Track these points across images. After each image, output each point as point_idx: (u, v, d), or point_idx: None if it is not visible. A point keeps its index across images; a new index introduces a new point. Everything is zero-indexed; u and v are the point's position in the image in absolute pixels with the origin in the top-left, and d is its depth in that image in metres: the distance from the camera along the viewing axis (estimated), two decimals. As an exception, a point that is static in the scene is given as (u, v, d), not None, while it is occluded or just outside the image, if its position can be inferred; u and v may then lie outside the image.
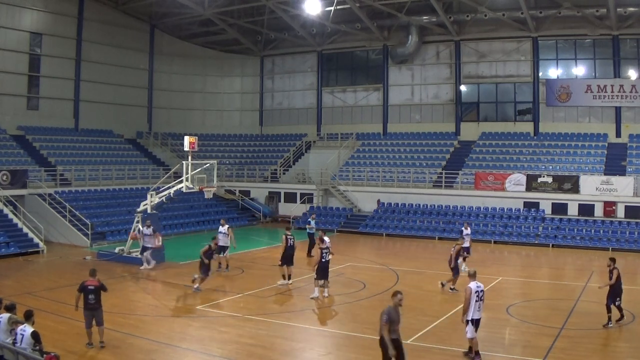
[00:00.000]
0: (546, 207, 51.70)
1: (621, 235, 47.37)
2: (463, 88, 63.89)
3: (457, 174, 56.41)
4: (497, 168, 55.88)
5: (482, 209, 53.39)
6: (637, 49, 57.84)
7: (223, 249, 35.18)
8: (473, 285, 19.95)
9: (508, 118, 62.37)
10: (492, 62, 61.96)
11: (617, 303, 23.91)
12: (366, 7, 59.85)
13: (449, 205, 54.64)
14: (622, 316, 24.25)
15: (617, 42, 57.23)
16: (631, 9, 54.10)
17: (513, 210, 52.33)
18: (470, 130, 62.56)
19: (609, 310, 23.87)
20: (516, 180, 53.03)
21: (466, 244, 36.34)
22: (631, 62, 57.79)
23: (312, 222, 42.73)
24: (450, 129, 63.70)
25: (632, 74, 57.60)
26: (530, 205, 52.23)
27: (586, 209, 50.56)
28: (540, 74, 60.12)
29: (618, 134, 56.93)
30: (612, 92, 57.14)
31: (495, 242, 49.12)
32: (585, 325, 24.01)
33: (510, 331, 23.93)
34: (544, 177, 52.36)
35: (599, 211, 50.22)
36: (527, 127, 60.67)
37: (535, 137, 59.57)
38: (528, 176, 52.90)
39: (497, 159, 57.65)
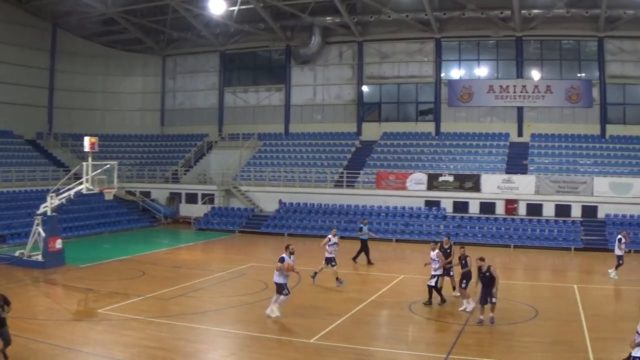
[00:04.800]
0: (447, 205, 51.15)
1: (522, 232, 47.55)
2: (365, 88, 62.70)
3: (359, 173, 55.19)
4: (398, 167, 54.76)
5: (383, 208, 52.11)
6: (540, 50, 58.44)
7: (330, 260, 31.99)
8: None
9: (410, 118, 61.57)
10: (394, 63, 61.12)
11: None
12: (270, 7, 58.09)
13: (351, 205, 53.16)
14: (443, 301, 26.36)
15: (521, 44, 57.63)
16: (535, 11, 54.81)
17: (414, 209, 51.50)
18: (371, 130, 61.39)
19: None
20: (417, 180, 52.30)
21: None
22: (534, 63, 58.20)
23: (365, 228, 39.01)
24: (352, 129, 62.46)
25: (534, 74, 57.85)
26: (432, 204, 51.60)
27: (487, 207, 50.34)
28: (442, 74, 59.97)
29: (520, 134, 57.36)
30: (515, 92, 57.55)
31: (397, 241, 48.16)
32: (488, 321, 23.34)
33: (413, 328, 23.73)
34: (445, 176, 51.91)
35: (500, 209, 50.21)
36: (428, 127, 60.03)
37: (436, 137, 59.00)
38: (429, 175, 52.30)
39: (398, 158, 56.66)
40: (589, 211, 48.81)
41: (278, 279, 23.60)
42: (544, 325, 23.66)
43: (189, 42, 66.74)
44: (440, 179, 51.59)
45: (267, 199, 55.87)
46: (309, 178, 56.14)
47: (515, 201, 49.65)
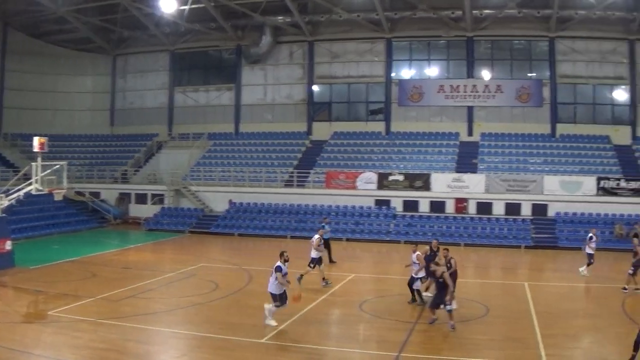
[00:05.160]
0: (397, 204, 51.18)
1: (473, 231, 47.98)
2: (315, 88, 62.41)
3: (309, 173, 54.88)
4: (348, 167, 54.65)
5: (333, 208, 51.88)
6: (491, 50, 58.88)
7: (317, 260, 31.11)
8: None
9: (360, 118, 61.50)
10: (345, 63, 61.00)
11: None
12: (221, 6, 57.37)
13: (301, 205, 52.76)
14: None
15: (472, 44, 57.92)
16: (487, 11, 55.15)
17: (364, 208, 51.37)
18: (322, 130, 61.17)
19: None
20: (367, 179, 52.21)
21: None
22: (485, 63, 58.69)
23: (327, 227, 38.02)
24: (302, 128, 62.08)
25: (485, 74, 58.27)
26: (382, 203, 51.51)
27: (437, 206, 50.48)
28: (393, 74, 60.04)
29: (470, 133, 57.62)
30: (465, 92, 57.78)
31: (347, 240, 47.91)
32: (439, 319, 22.98)
33: (364, 327, 23.64)
34: (395, 175, 51.87)
35: (450, 208, 50.39)
36: (378, 126, 59.98)
37: (387, 136, 59.06)
38: (379, 174, 52.26)
39: (348, 158, 56.60)
40: (539, 209, 49.17)
41: (273, 289, 22.38)
42: (495, 323, 23.75)
43: (139, 41, 65.82)
44: (390, 178, 51.49)
45: (217, 199, 55.22)
46: (259, 178, 55.58)
47: (465, 200, 49.77)
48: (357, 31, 59.30)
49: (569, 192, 49.05)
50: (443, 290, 22.62)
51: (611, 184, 49.00)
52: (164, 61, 66.76)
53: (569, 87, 57.22)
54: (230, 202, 54.48)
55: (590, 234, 34.50)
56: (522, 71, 58.83)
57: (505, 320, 24.07)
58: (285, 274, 22.30)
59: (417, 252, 26.21)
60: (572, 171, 51.16)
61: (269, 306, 22.34)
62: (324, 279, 30.06)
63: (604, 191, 48.84)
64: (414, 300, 25.94)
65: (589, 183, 49.11)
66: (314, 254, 30.30)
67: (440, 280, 22.74)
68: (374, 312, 24.99)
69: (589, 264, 33.99)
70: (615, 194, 48.67)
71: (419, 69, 60.63)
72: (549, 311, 25.20)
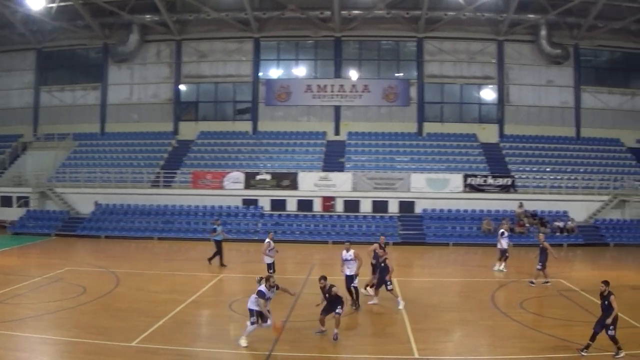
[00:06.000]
0: (265, 203, 51.16)
1: (340, 228, 48.21)
2: (182, 87, 61.60)
3: (176, 173, 54.19)
4: (216, 167, 54.22)
5: (200, 208, 51.29)
6: (358, 50, 59.69)
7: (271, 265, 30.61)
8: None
9: (227, 117, 61.36)
10: (213, 62, 60.53)
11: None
12: (89, 4, 55.72)
13: (168, 205, 51.86)
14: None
15: (340, 44, 58.50)
16: (355, 11, 55.65)
17: (232, 208, 51.17)
18: (188, 130, 60.51)
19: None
20: (234, 179, 51.90)
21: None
22: (352, 63, 59.44)
23: (218, 228, 37.11)
24: (169, 128, 61.08)
25: (352, 74, 58.83)
26: (249, 202, 51.27)
27: (305, 205, 50.74)
28: (260, 74, 60.03)
29: (337, 132, 58.30)
30: (332, 91, 58.27)
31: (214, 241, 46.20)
32: (308, 316, 23.16)
33: (234, 327, 23.19)
34: (262, 174, 51.78)
35: (317, 206, 50.61)
36: (245, 126, 59.94)
37: (254, 136, 59.07)
38: (246, 174, 52.12)
39: (215, 157, 56.26)
40: (406, 207, 50.04)
41: (251, 304, 20.75)
42: (366, 319, 24.14)
43: (4, 39, 62.87)
44: (258, 177, 51.43)
45: (83, 201, 53.37)
46: (125, 178, 54.40)
47: (333, 198, 50.10)
48: (226, 30, 58.95)
49: (436, 189, 50.18)
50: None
51: (478, 180, 50.63)
52: (31, 60, 64.22)
53: (437, 87, 58.67)
54: (96, 203, 52.96)
55: (502, 230, 35.18)
56: (390, 71, 59.84)
57: (376, 316, 24.49)
58: (269, 299, 20.94)
59: (352, 250, 25.94)
60: (439, 169, 52.53)
61: (247, 323, 20.85)
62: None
63: (471, 188, 50.34)
64: (356, 302, 25.40)
65: (456, 180, 50.45)
66: (266, 259, 30.06)
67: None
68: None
69: (502, 259, 34.75)
70: (482, 191, 50.29)
71: (287, 69, 60.83)
72: (418, 306, 25.63)
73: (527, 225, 46.29)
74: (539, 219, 47.73)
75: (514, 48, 58.00)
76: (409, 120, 57.98)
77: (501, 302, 26.94)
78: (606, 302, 18.88)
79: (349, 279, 25.36)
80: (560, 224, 47.00)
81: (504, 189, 50.35)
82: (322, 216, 49.58)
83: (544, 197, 50.24)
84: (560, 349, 19.93)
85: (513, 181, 50.82)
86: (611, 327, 18.56)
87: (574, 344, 19.89)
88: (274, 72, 60.66)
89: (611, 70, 60.18)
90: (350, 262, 25.66)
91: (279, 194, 50.81)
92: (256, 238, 46.60)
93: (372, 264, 27.69)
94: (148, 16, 58.03)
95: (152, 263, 38.23)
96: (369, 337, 21.76)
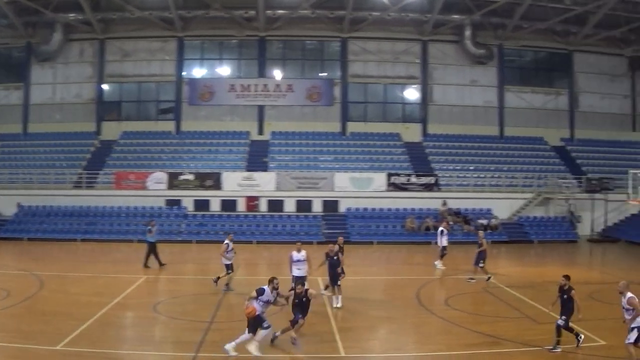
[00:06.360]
0: (188, 204, 50.82)
1: (264, 228, 48.48)
2: (105, 87, 60.42)
3: (98, 174, 53.19)
4: (139, 167, 53.41)
5: (124, 208, 50.47)
6: (282, 50, 59.98)
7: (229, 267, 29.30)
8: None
9: (150, 117, 60.36)
10: (136, 61, 59.64)
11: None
12: (12, 3, 54.13)
13: (91, 206, 50.77)
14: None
15: (264, 43, 58.60)
16: (280, 11, 55.82)
17: (155, 208, 50.54)
18: (111, 130, 59.33)
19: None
20: (157, 179, 51.44)
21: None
22: (276, 63, 59.77)
23: (154, 229, 36.44)
24: (91, 128, 59.68)
25: (276, 74, 59.09)
26: (173, 203, 50.91)
27: (229, 205, 50.66)
28: (184, 73, 59.69)
29: (260, 132, 58.28)
30: (256, 91, 58.37)
31: (139, 241, 45.31)
32: (233, 317, 23.36)
33: (159, 329, 23.07)
34: (185, 174, 51.54)
35: (241, 206, 50.53)
36: (168, 125, 59.30)
37: (177, 136, 58.52)
38: (169, 174, 51.73)
39: (138, 157, 55.39)
40: (331, 206, 50.34)
41: (259, 309, 19.11)
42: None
43: None
44: (181, 177, 51.11)
45: (5, 202, 51.72)
46: (48, 180, 53.22)
47: (257, 198, 50.09)
48: (150, 29, 58.22)
49: (360, 188, 50.55)
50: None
51: (401, 179, 51.23)
52: (-49, 60, 62.59)
53: (360, 87, 59.22)
54: (19, 205, 51.70)
55: (441, 228, 35.62)
56: (314, 71, 60.16)
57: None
58: (268, 302, 19.42)
59: (303, 251, 25.81)
60: (363, 168, 52.91)
61: (262, 331, 19.12)
62: (227, 284, 28.80)
63: (394, 187, 50.87)
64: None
65: (380, 179, 50.95)
66: (224, 261, 29.18)
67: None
68: (168, 314, 24.56)
69: (442, 256, 35.14)
70: (406, 189, 50.86)
71: (211, 69, 60.64)
72: (345, 305, 25.38)
73: (451, 223, 46.52)
74: (463, 217, 48.40)
75: (439, 48, 58.90)
76: (332, 120, 58.29)
77: (426, 300, 27.06)
78: (565, 296, 18.90)
79: (299, 280, 24.41)
80: (484, 222, 47.75)
81: (428, 187, 51.10)
82: (246, 216, 49.53)
83: (468, 195, 51.22)
84: (486, 345, 20.11)
85: (436, 180, 51.59)
86: (563, 317, 18.64)
87: (499, 340, 20.25)
88: (198, 72, 60.42)
89: (535, 70, 61.90)
90: (301, 263, 25.55)
91: (202, 194, 50.52)
92: (180, 239, 46.56)
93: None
94: (72, 15, 56.90)
95: (76, 265, 37.26)
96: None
